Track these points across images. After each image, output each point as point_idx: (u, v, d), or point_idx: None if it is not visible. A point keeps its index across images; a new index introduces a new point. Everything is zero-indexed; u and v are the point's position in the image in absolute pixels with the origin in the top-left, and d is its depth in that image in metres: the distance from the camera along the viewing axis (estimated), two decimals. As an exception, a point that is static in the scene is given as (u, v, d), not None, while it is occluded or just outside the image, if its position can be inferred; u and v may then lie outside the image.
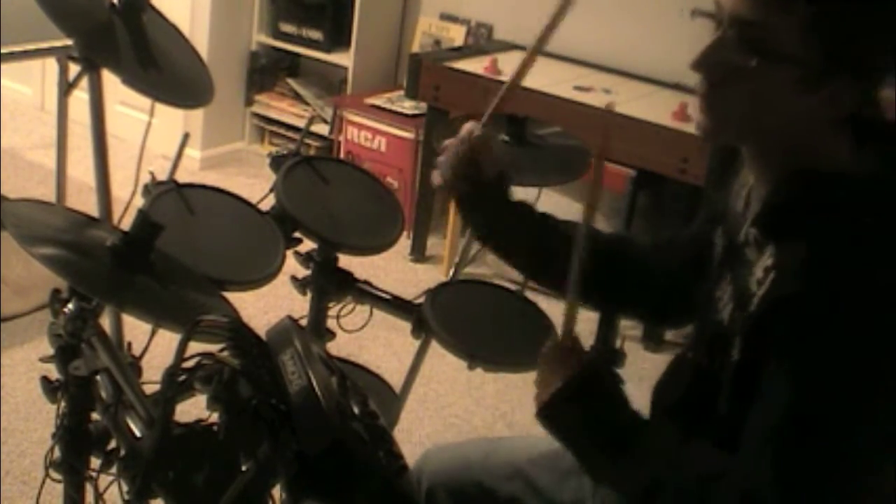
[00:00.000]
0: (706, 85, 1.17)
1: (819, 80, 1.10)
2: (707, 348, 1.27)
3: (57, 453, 1.44)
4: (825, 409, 1.07)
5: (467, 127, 1.46)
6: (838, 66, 1.09)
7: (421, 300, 1.92)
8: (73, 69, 2.14)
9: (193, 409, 1.24)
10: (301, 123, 4.22)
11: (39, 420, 2.60)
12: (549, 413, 1.22)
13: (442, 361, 2.06)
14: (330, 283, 1.99)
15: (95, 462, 1.42)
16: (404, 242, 3.81)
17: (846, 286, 1.07)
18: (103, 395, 1.41)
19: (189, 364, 1.14)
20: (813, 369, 1.08)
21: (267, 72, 4.48)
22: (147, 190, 1.82)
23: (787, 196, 1.17)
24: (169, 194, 1.79)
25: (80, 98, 2.29)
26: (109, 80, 2.03)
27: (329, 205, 1.99)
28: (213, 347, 1.16)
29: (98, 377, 1.41)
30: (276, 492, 1.10)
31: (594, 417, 1.21)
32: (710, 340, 1.26)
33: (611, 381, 1.26)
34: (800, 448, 1.07)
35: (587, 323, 1.42)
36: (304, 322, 1.99)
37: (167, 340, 1.28)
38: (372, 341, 3.09)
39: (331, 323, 2.05)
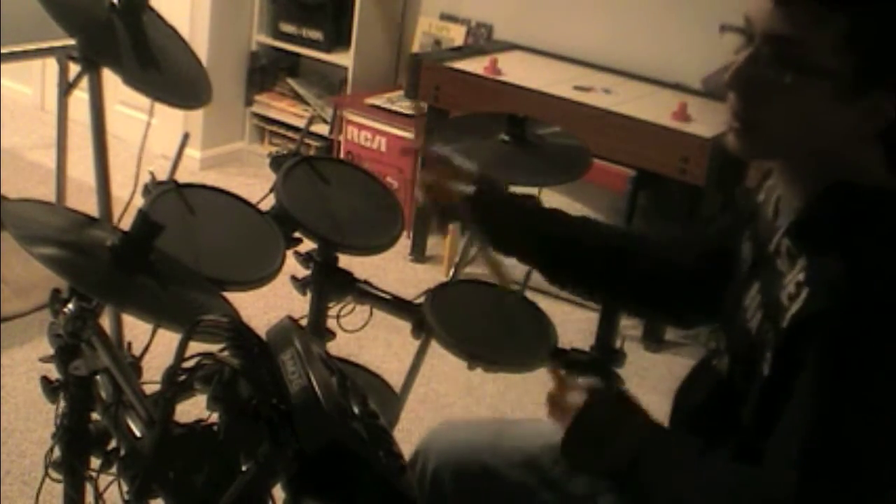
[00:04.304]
0: (740, 102, 1.17)
1: (855, 93, 1.10)
2: (733, 357, 1.27)
3: (57, 453, 1.43)
4: (857, 426, 1.07)
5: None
6: (874, 78, 1.10)
7: (421, 300, 1.92)
8: (73, 69, 2.14)
9: (193, 409, 1.24)
10: (301, 123, 4.22)
11: (39, 420, 2.59)
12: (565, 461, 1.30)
13: (442, 361, 2.06)
14: (330, 283, 1.99)
15: (95, 462, 1.42)
16: (404, 242, 3.81)
17: (880, 303, 1.07)
18: (103, 395, 1.41)
19: (189, 364, 1.14)
20: (846, 386, 1.07)
21: (267, 72, 4.48)
22: (147, 190, 1.82)
23: (822, 209, 1.17)
24: (169, 194, 1.79)
25: (80, 98, 2.29)
26: (109, 80, 2.04)
27: (329, 205, 1.99)
28: (213, 347, 1.16)
29: (98, 377, 1.41)
30: (277, 491, 1.10)
31: (600, 457, 1.25)
32: (737, 350, 1.26)
33: (608, 414, 1.27)
34: (828, 465, 1.07)
35: (587, 323, 1.42)
36: (304, 322, 1.99)
37: (167, 340, 1.28)
38: (372, 341, 3.09)
39: (331, 323, 2.05)
